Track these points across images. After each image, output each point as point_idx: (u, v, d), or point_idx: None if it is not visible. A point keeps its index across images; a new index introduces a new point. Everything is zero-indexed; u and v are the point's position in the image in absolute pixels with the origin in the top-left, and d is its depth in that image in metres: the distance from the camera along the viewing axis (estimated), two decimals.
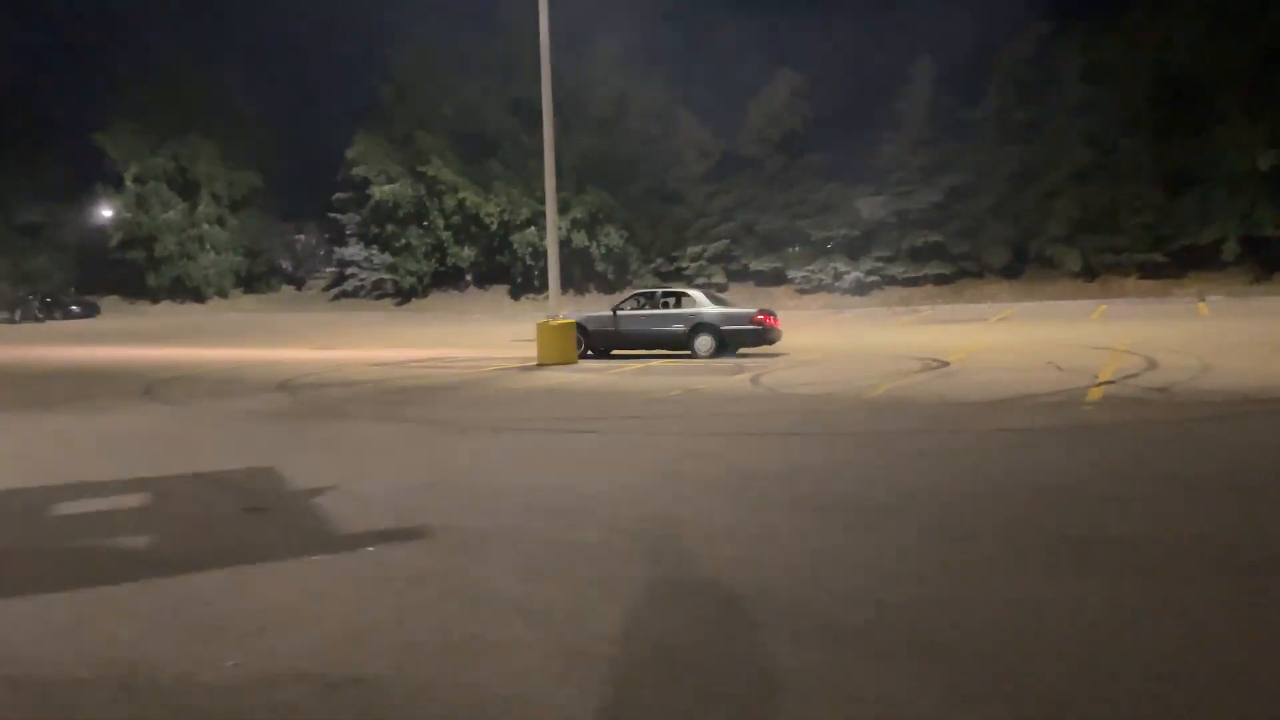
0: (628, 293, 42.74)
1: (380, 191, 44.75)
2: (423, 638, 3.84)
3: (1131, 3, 33.01)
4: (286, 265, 58.12)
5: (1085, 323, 25.05)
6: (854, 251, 37.46)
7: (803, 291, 38.38)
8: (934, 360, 16.35)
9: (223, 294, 56.02)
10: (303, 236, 57.08)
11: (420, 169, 43.35)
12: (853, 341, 22.25)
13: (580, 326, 19.07)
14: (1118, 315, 26.62)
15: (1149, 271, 33.01)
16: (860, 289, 36.95)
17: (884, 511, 5.91)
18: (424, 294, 48.34)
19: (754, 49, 39.19)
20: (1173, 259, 32.46)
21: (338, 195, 49.89)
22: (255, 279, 56.98)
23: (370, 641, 3.82)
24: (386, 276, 48.83)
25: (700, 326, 18.17)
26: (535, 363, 18.50)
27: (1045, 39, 34.78)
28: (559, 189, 42.10)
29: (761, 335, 17.87)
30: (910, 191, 36.54)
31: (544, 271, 45.14)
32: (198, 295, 55.47)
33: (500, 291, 47.15)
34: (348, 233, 50.28)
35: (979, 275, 36.00)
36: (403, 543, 5.34)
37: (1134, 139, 32.62)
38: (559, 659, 3.60)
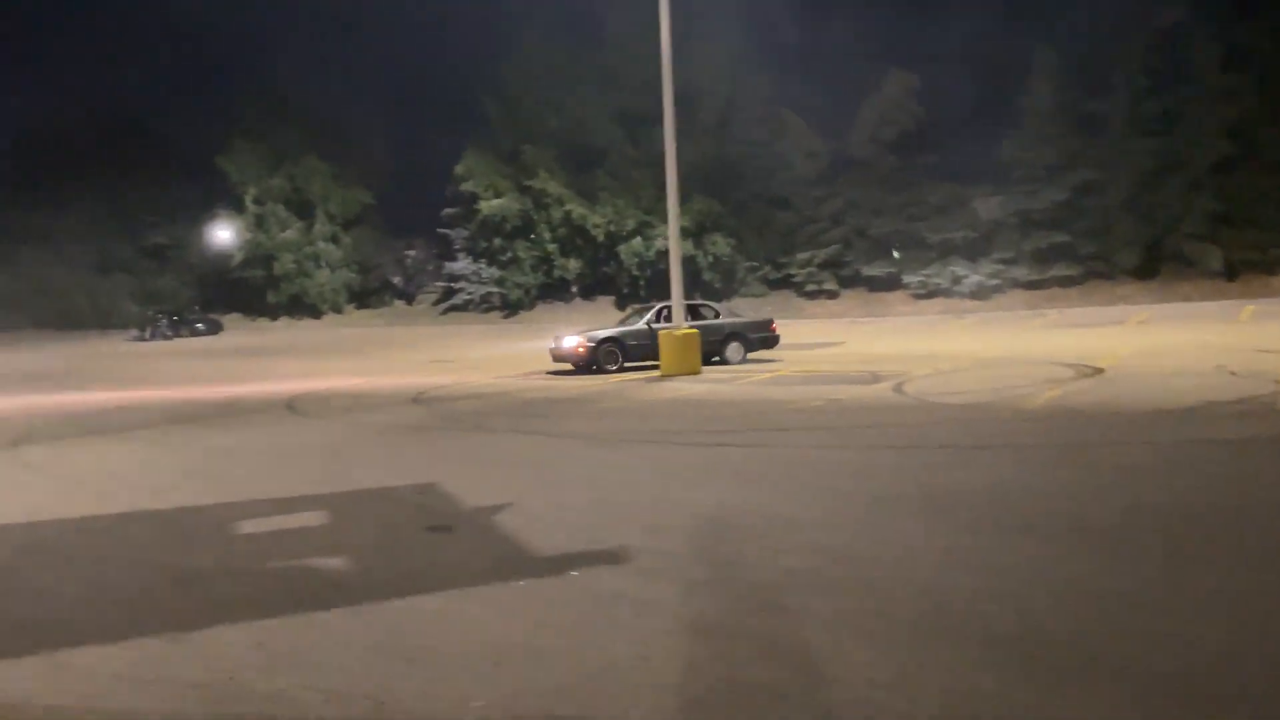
0: (730, 304, 42.32)
1: (488, 206, 45.39)
2: (674, 678, 3.52)
3: None
4: (397, 280, 59.47)
5: (1237, 324, 23.54)
6: (973, 254, 36.17)
7: (918, 296, 37.26)
8: (1085, 366, 15.46)
9: (336, 309, 57.68)
10: (413, 252, 58.36)
11: (527, 183, 43.82)
12: (986, 347, 21.34)
13: (617, 340, 19.45)
14: (1272, 315, 24.93)
15: None
16: (980, 293, 35.64)
17: (1117, 536, 5.37)
18: (530, 306, 48.80)
19: (863, 48, 38.24)
20: None
21: (446, 210, 50.84)
22: (367, 294, 58.52)
23: (618, 681, 3.52)
24: (494, 290, 49.49)
25: (732, 335, 19.74)
26: (659, 373, 18.27)
27: (1178, 26, 32.92)
28: (664, 196, 42.17)
29: (772, 340, 20.17)
30: (1033, 190, 35.11)
31: (650, 281, 45.13)
32: (313, 311, 57.24)
33: (606, 303, 47.21)
34: (456, 247, 51.16)
35: (1108, 276, 34.33)
36: (606, 567, 5.06)
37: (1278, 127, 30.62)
38: (837, 711, 3.23)
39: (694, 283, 43.79)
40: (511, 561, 5.29)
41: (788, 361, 19.54)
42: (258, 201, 55.61)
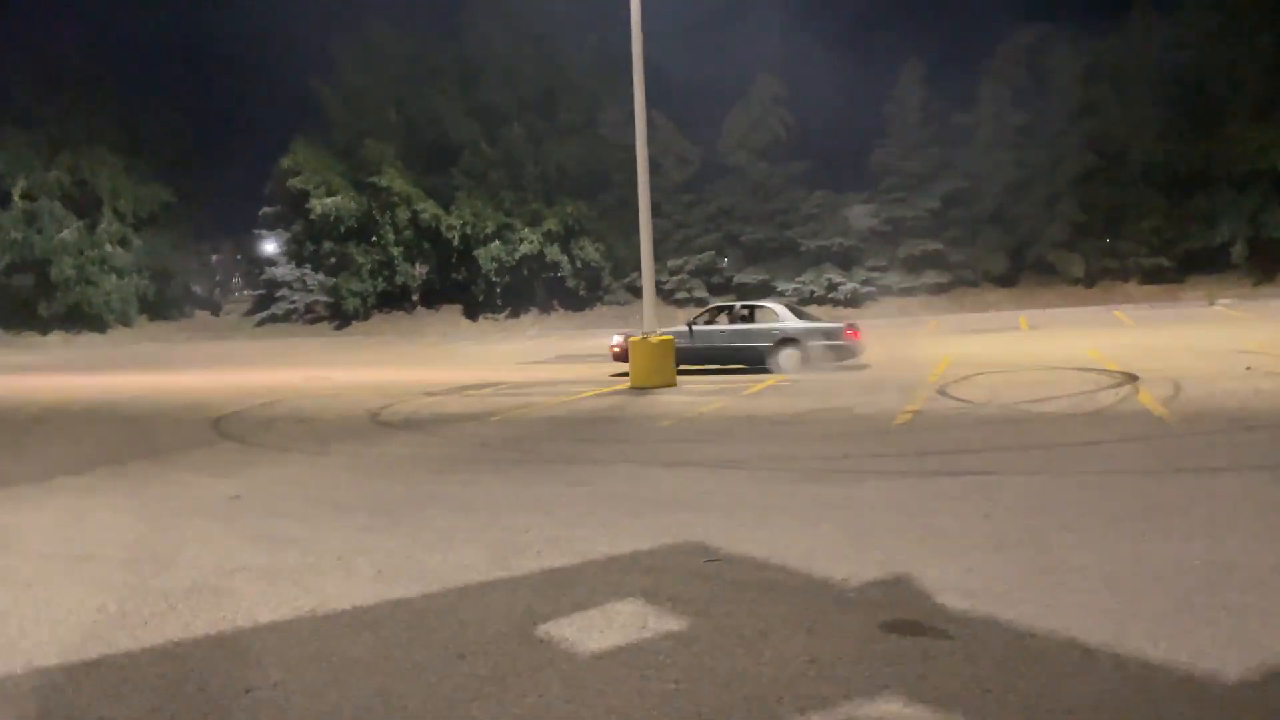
0: (594, 312, 40.39)
1: (321, 204, 40.88)
2: None
3: (1131, 3, 32.83)
4: (198, 289, 53.06)
5: (1137, 327, 24.11)
6: (845, 262, 36.10)
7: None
8: (1114, 372, 14.67)
9: (126, 322, 50.62)
10: (218, 256, 52.26)
11: (370, 179, 39.76)
12: (928, 353, 20.46)
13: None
14: (1156, 320, 25.87)
15: (1151, 276, 32.76)
16: (854, 300, 35.58)
17: None
18: (366, 316, 44.55)
19: (732, 52, 37.43)
20: (1177, 263, 32.29)
21: (265, 210, 45.68)
22: (164, 305, 51.78)
23: None
24: (322, 298, 44.89)
25: (786, 340, 17.14)
26: (627, 386, 16.25)
27: (1039, 41, 34.28)
28: (529, 200, 39.66)
29: (850, 350, 17.10)
30: (904, 199, 35.47)
31: (506, 289, 42.27)
32: (98, 324, 49.93)
33: (453, 311, 43.88)
34: (276, 251, 46.04)
35: (975, 284, 35.17)
36: None
37: (1139, 141, 32.34)
38: None
39: (553, 290, 41.47)
40: (1198, 693, 3.13)
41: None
42: (28, 196, 47.81)
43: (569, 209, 37.54)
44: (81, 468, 9.36)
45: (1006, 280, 34.82)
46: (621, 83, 39.45)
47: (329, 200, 40.82)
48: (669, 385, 16.15)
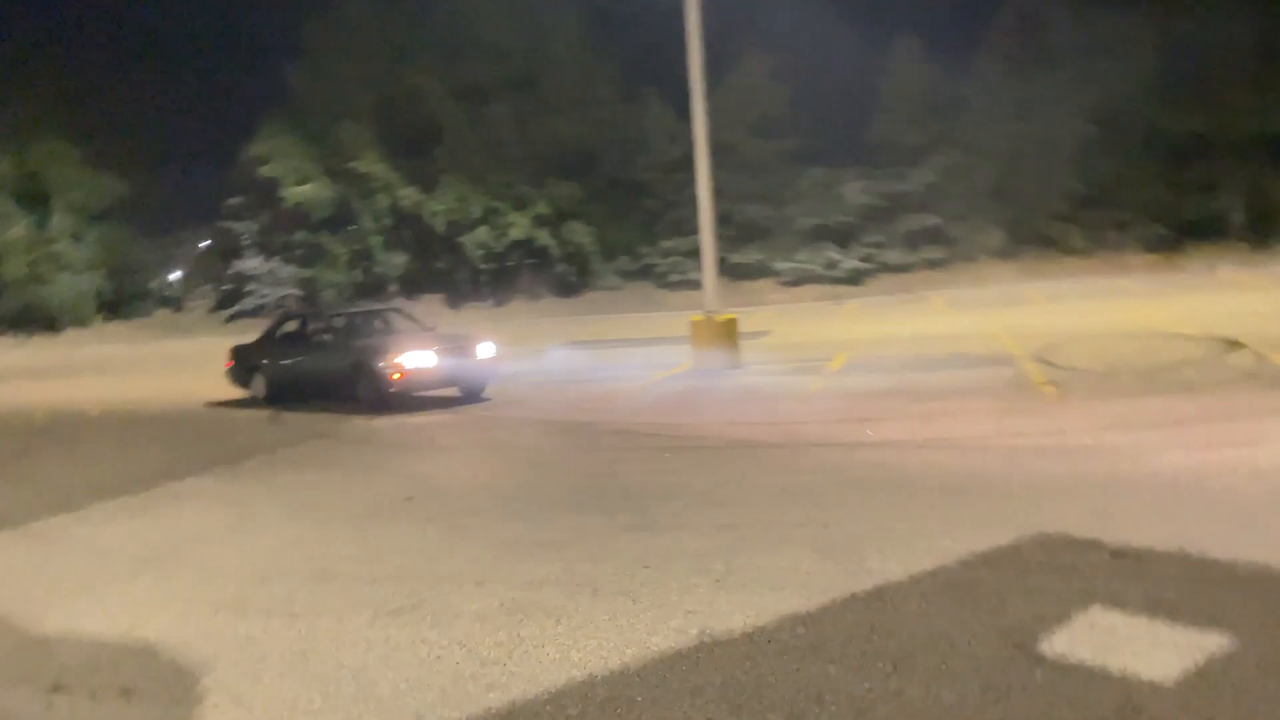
0: (583, 298, 39.20)
1: (294, 193, 39.17)
2: None
3: None
4: (158, 286, 50.75)
5: (1160, 295, 23.91)
6: (843, 239, 35.60)
7: (789, 284, 36.18)
8: (1207, 339, 14.25)
9: (81, 322, 48.21)
10: (180, 250, 50.09)
11: (348, 166, 38.12)
12: (965, 328, 19.94)
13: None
14: (1168, 289, 25.75)
15: (1151, 246, 32.76)
16: (853, 278, 35.10)
17: None
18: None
19: (721, 27, 36.53)
20: (1176, 232, 32.31)
21: (231, 200, 43.69)
22: (122, 303, 49.41)
23: None
24: (295, 291, 43.12)
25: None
26: (689, 367, 15.75)
27: (1037, 10, 34.01)
28: (516, 183, 38.44)
29: None
30: (901, 173, 35.03)
31: (493, 276, 41.02)
32: (51, 325, 47.51)
33: (433, 302, 42.38)
34: (244, 243, 44.12)
35: (974, 259, 34.90)
36: None
37: (1138, 111, 32.25)
38: None
39: (544, 275, 40.27)
40: None
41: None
42: None
43: (561, 191, 36.41)
44: (179, 472, 8.30)
45: (1006, 254, 34.61)
46: (612, 58, 38.65)
47: (306, 188, 39.15)
48: (732, 365, 15.55)
